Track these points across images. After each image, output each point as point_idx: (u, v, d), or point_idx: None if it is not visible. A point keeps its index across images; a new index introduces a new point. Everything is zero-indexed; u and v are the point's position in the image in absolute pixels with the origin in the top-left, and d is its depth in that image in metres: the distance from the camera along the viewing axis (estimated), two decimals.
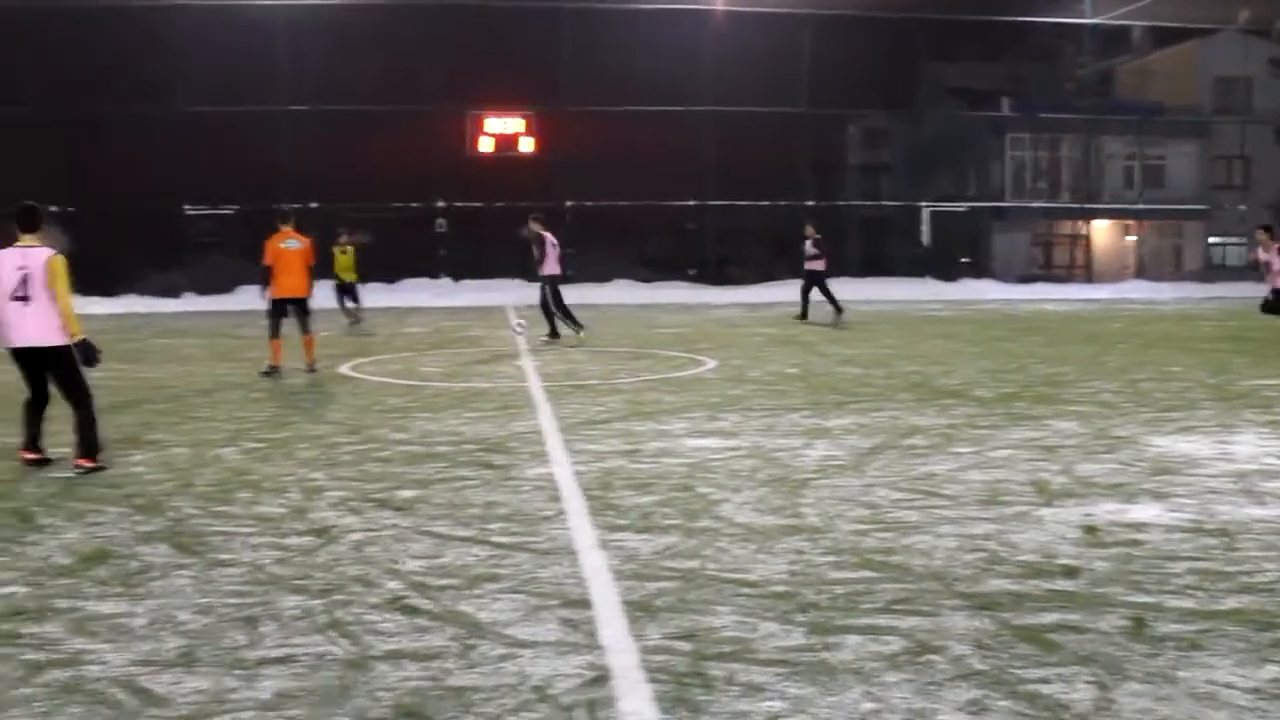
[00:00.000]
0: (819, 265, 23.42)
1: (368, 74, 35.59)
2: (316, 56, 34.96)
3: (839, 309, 23.16)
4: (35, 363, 8.46)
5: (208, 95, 34.29)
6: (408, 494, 7.65)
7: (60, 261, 8.34)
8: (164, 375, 15.25)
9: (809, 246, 23.25)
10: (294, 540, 6.50)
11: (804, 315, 23.66)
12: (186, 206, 35.70)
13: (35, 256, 8.28)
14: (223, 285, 32.45)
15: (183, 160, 33.35)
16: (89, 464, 8.45)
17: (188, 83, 34.09)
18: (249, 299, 14.65)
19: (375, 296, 29.05)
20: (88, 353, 8.43)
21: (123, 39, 32.42)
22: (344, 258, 21.22)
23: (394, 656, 4.69)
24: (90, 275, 33.27)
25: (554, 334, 18.65)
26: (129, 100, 33.52)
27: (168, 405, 12.23)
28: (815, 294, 23.58)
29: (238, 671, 4.57)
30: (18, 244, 8.33)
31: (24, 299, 8.20)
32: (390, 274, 32.86)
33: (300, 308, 14.71)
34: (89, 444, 8.50)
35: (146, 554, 6.26)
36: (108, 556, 6.23)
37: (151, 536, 6.62)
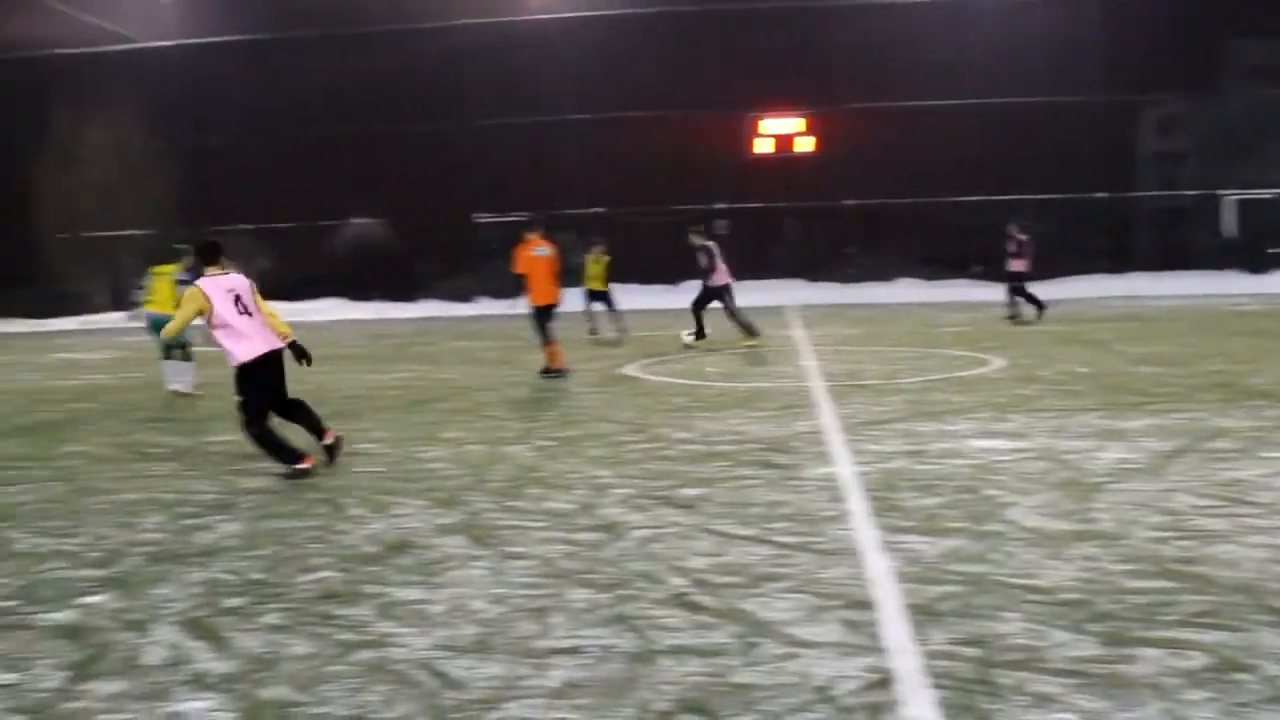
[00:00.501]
0: (1020, 266, 22.31)
1: (644, 81, 36.24)
2: (594, 67, 35.88)
3: (1040, 305, 22.26)
4: (276, 367, 9.05)
5: (494, 109, 35.74)
6: (691, 492, 7.73)
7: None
8: (457, 376, 15.99)
9: (1012, 245, 22.17)
10: (582, 535, 6.67)
11: (1014, 317, 22.57)
12: (476, 215, 37.29)
13: (236, 280, 9.00)
14: (511, 290, 33.74)
15: (473, 171, 34.87)
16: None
17: (478, 97, 35.63)
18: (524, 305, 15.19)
19: (656, 298, 29.55)
20: (300, 352, 9.15)
21: (424, 58, 34.19)
22: (596, 267, 21.53)
23: (677, 652, 4.74)
24: (394, 282, 35.38)
25: (700, 334, 18.69)
26: (425, 117, 35.31)
27: (462, 404, 12.80)
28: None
29: (529, 660, 4.73)
30: (212, 273, 8.97)
31: (248, 313, 8.88)
32: (667, 277, 33.32)
33: (547, 314, 15.03)
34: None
35: (444, 545, 6.57)
36: (409, 546, 6.57)
37: (449, 529, 6.94)
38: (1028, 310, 22.47)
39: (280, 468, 8.74)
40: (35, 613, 5.66)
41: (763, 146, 37.34)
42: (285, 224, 34.87)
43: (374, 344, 23.14)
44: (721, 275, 17.95)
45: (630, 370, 15.89)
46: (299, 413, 9.20)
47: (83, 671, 4.82)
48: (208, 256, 9.10)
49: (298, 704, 4.39)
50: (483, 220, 37.11)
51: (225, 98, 34.56)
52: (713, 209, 36.69)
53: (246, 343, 8.77)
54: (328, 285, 34.08)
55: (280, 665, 4.79)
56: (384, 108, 35.13)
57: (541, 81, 35.94)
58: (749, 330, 18.02)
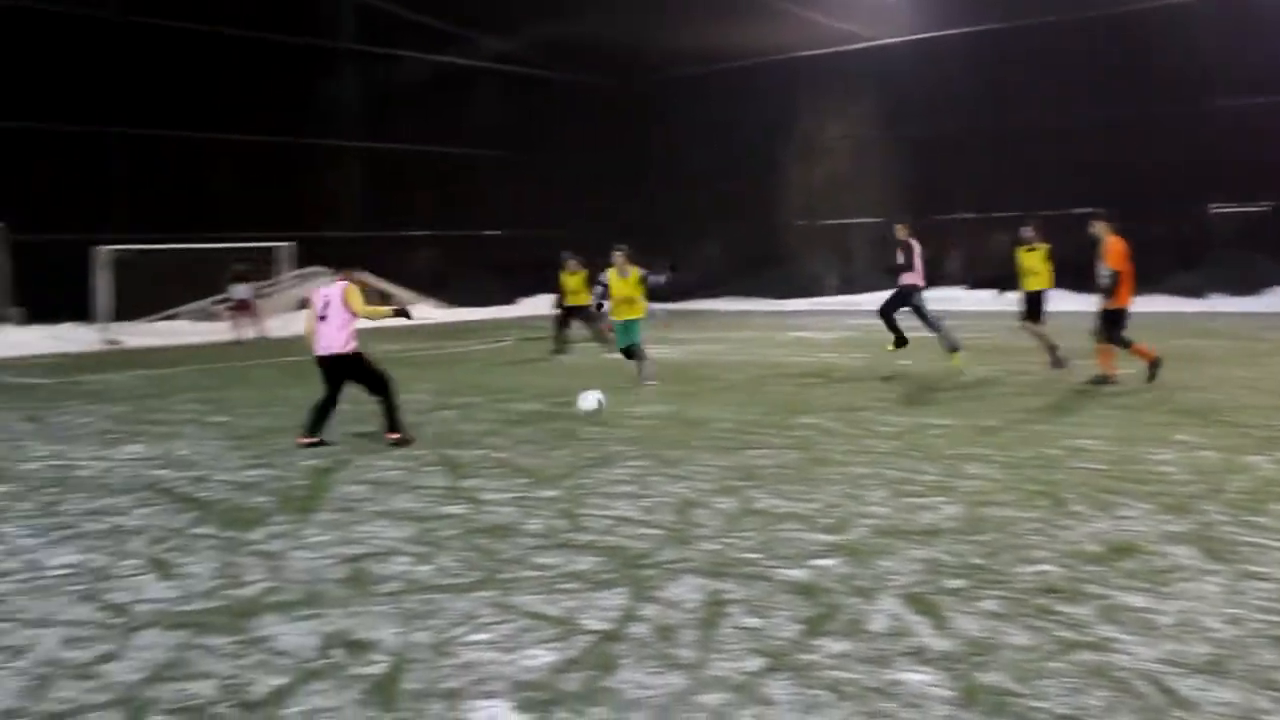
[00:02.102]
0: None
1: None
2: None
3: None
4: (330, 368, 10.55)
5: (1241, 89, 32.75)
6: None
7: (353, 290, 10.55)
8: (1187, 378, 14.97)
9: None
10: None
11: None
12: (1212, 205, 34.55)
13: (337, 287, 10.52)
14: (1248, 286, 30.98)
15: (1211, 157, 32.29)
16: (395, 437, 10.45)
17: (1220, 78, 32.91)
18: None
19: None
20: (404, 313, 11.22)
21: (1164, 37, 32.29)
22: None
23: None
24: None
25: (901, 341, 16.38)
26: (1157, 100, 33.31)
27: (1196, 407, 11.95)
28: None
29: (1270, 691, 4.34)
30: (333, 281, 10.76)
31: (323, 319, 10.43)
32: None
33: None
34: (392, 422, 10.54)
35: (1174, 553, 6.22)
36: (1135, 550, 6.29)
37: (1178, 537, 6.55)
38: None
39: None
40: (774, 567, 6.17)
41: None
42: (1006, 213, 34.75)
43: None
44: (916, 275, 16.00)
45: None
46: None
47: (814, 627, 5.18)
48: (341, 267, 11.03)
49: (1015, 694, 4.39)
50: (1219, 211, 34.34)
51: (950, 89, 35.09)
52: None
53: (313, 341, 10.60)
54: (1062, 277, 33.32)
55: (999, 652, 4.82)
56: (1113, 93, 33.66)
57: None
58: (900, 334, 16.24)
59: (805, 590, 5.74)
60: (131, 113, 29.71)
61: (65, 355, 22.99)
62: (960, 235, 35.57)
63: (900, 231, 16.48)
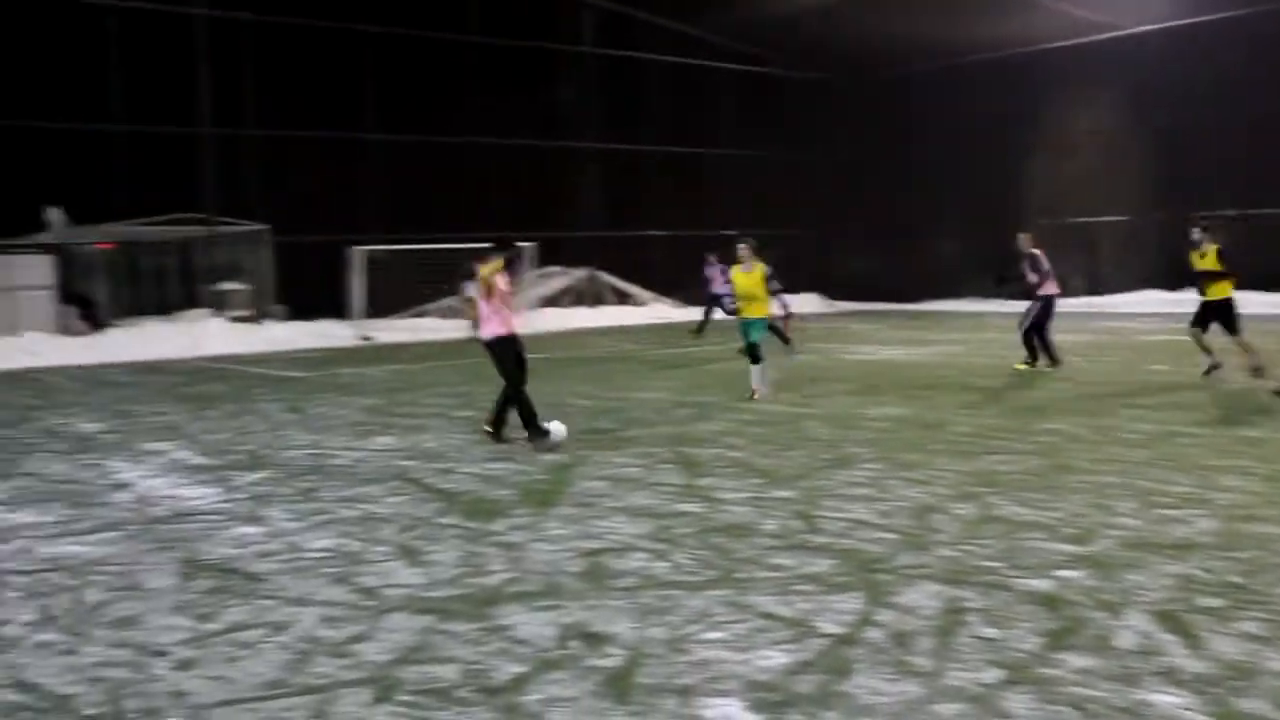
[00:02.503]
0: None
1: None
2: None
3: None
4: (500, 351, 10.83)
5: None
6: None
7: (488, 269, 10.73)
8: None
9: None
10: None
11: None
12: None
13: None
14: None
15: None
16: (535, 444, 10.42)
17: None
18: None
19: None
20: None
21: None
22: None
23: None
24: None
25: (1053, 360, 16.22)
26: None
27: None
28: None
29: None
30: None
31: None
32: None
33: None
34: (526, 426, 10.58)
35: None
36: None
37: None
38: None
39: None
40: (1015, 577, 5.99)
41: None
42: (1272, 209, 32.64)
43: None
44: (1050, 285, 15.81)
45: None
46: None
47: (1057, 641, 5.01)
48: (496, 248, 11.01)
49: None
50: None
51: (1208, 76, 33.16)
52: None
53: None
54: None
55: (1259, 678, 4.55)
56: None
57: None
58: (1052, 354, 16.18)
59: (1048, 602, 5.55)
60: (383, 120, 31.11)
61: (323, 350, 24.27)
62: (1226, 233, 33.61)
63: (1025, 242, 16.21)
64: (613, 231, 35.74)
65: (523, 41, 33.70)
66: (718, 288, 25.08)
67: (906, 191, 38.60)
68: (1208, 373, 14.44)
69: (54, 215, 27.42)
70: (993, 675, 4.63)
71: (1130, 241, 35.44)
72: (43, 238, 27.11)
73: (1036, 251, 15.96)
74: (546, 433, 10.50)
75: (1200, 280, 14.38)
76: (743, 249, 13.89)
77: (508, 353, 10.78)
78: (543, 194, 34.46)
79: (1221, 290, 14.20)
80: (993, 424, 11.32)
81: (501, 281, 10.81)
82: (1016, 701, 4.37)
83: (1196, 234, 14.46)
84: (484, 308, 10.79)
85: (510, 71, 33.58)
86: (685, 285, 36.08)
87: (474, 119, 32.52)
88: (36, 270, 25.60)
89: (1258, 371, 13.89)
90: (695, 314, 33.76)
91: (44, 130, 25.94)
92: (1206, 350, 14.51)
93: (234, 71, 28.65)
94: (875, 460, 9.47)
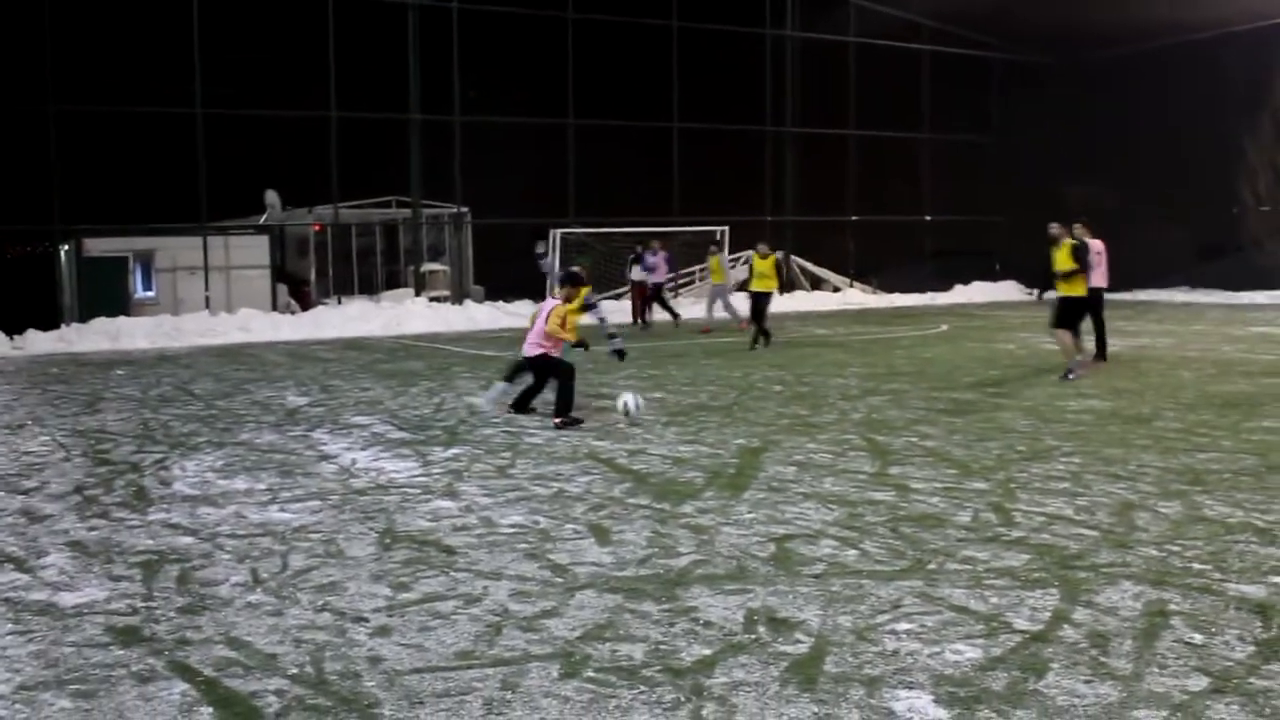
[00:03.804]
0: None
1: None
2: None
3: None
4: (534, 366, 11.65)
5: None
6: None
7: (561, 309, 11.50)
8: None
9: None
10: None
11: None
12: None
13: (549, 304, 11.68)
14: None
15: None
16: (559, 421, 11.00)
17: None
18: None
19: None
20: (583, 344, 11.84)
21: None
22: None
23: None
24: None
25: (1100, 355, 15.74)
26: None
27: None
28: None
29: None
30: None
31: (531, 327, 11.69)
32: None
33: None
34: (560, 408, 11.15)
35: None
36: None
37: None
38: None
39: None
40: (1224, 580, 5.71)
41: None
42: None
43: None
44: (1100, 277, 15.06)
45: None
46: None
47: (1270, 650, 4.76)
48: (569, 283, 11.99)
49: None
50: None
51: None
52: None
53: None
54: None
55: None
56: None
57: None
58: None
59: (1260, 609, 5.28)
60: (584, 105, 31.48)
61: (519, 330, 24.73)
62: None
63: (1080, 231, 15.14)
64: (808, 216, 35.46)
65: (728, 25, 33.59)
66: (658, 277, 24.60)
67: (1116, 176, 37.11)
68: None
69: (271, 198, 28.80)
70: (1198, 683, 4.43)
71: None
72: (260, 220, 28.50)
73: (1090, 240, 15.10)
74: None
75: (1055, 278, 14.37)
76: (1060, 227, 14.50)
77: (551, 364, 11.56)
78: (740, 178, 34.42)
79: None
80: (1202, 419, 10.82)
81: (573, 319, 11.73)
82: (1223, 712, 4.17)
83: (1056, 229, 14.56)
84: (540, 330, 11.53)
85: (713, 55, 33.55)
86: (881, 271, 35.68)
87: (675, 102, 32.66)
88: (253, 250, 26.91)
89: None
90: (890, 300, 33.43)
91: (262, 118, 27.17)
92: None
93: (442, 59, 29.42)
94: (1075, 454, 9.16)
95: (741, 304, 21.96)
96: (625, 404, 11.24)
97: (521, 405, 11.86)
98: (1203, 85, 34.60)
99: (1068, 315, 14.23)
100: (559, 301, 11.68)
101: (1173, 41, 34.71)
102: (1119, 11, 32.43)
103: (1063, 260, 14.07)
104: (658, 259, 24.71)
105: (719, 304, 22.95)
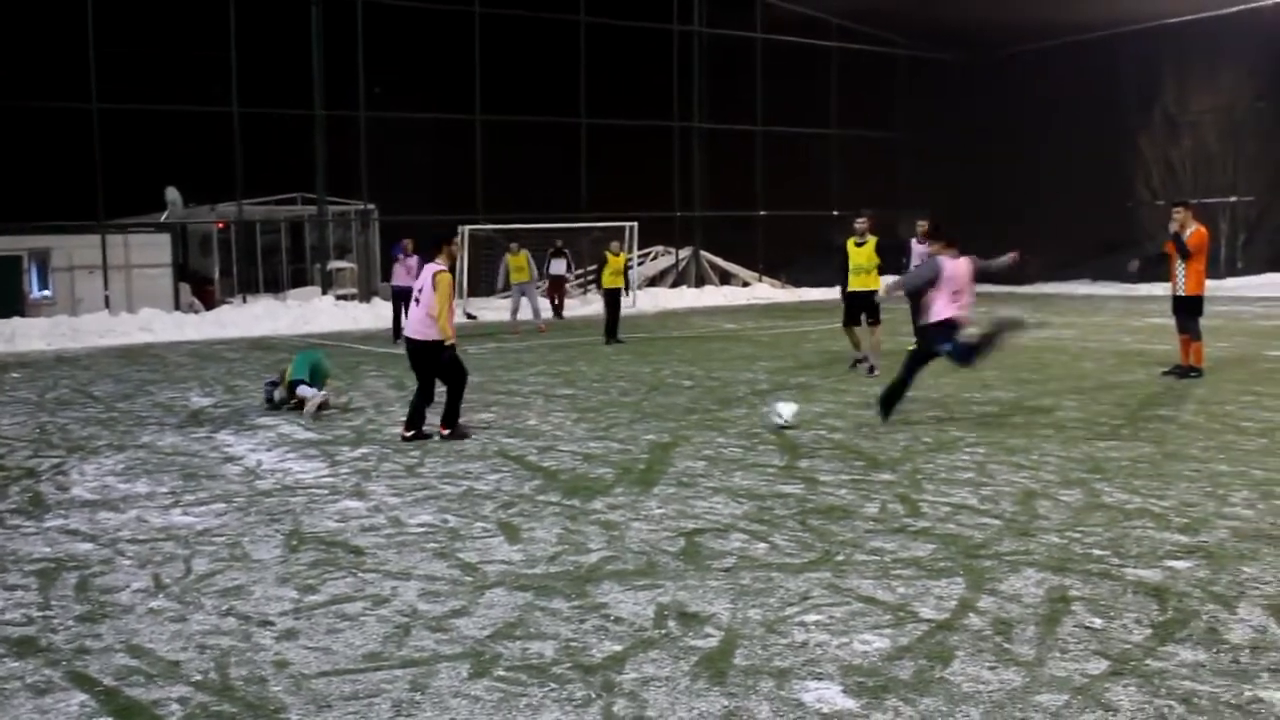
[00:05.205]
0: None
1: None
2: None
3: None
4: (414, 354, 10.12)
5: None
6: None
7: (444, 278, 9.87)
8: None
9: None
10: None
11: None
12: None
13: (429, 271, 9.92)
14: None
15: None
16: (445, 431, 10.08)
17: None
18: None
19: None
20: (448, 354, 9.94)
21: None
22: None
23: None
24: None
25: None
26: None
27: None
28: None
29: None
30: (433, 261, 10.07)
31: (416, 301, 9.93)
32: None
33: None
34: (448, 417, 10.10)
35: None
36: None
37: None
38: None
39: None
40: (1122, 566, 5.85)
41: None
42: None
43: None
44: (947, 304, 14.01)
45: None
46: None
47: (1165, 633, 4.88)
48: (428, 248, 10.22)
49: None
50: None
51: None
52: None
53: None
54: None
55: None
56: None
57: None
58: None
59: (1156, 592, 5.41)
60: (491, 101, 31.27)
61: None
62: None
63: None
64: (717, 211, 35.66)
65: (633, 22, 33.62)
66: (403, 280, 23.07)
67: (1016, 172, 37.82)
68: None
69: (172, 195, 28.18)
70: (1098, 666, 4.53)
71: (1258, 224, 34.50)
72: (161, 217, 27.89)
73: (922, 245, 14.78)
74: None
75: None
76: (861, 223, 14.55)
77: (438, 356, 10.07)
78: (649, 174, 34.48)
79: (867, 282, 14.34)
80: (1102, 409, 11.07)
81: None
82: (1122, 694, 4.26)
83: (858, 223, 14.62)
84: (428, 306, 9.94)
85: (621, 50, 33.56)
86: (789, 266, 35.97)
87: (583, 98, 32.62)
88: (154, 249, 26.33)
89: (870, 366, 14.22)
90: (799, 295, 33.72)
91: (162, 112, 26.63)
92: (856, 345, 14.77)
93: (347, 53, 29.05)
94: (979, 444, 9.32)
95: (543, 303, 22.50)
96: (778, 412, 10.34)
97: (415, 421, 10.25)
98: (1100, 84, 35.47)
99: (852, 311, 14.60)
100: (437, 268, 10.03)
101: (1071, 40, 35.49)
102: (1016, 12, 33.05)
103: (870, 255, 14.37)
104: (411, 261, 24.04)
105: (524, 302, 22.81)
